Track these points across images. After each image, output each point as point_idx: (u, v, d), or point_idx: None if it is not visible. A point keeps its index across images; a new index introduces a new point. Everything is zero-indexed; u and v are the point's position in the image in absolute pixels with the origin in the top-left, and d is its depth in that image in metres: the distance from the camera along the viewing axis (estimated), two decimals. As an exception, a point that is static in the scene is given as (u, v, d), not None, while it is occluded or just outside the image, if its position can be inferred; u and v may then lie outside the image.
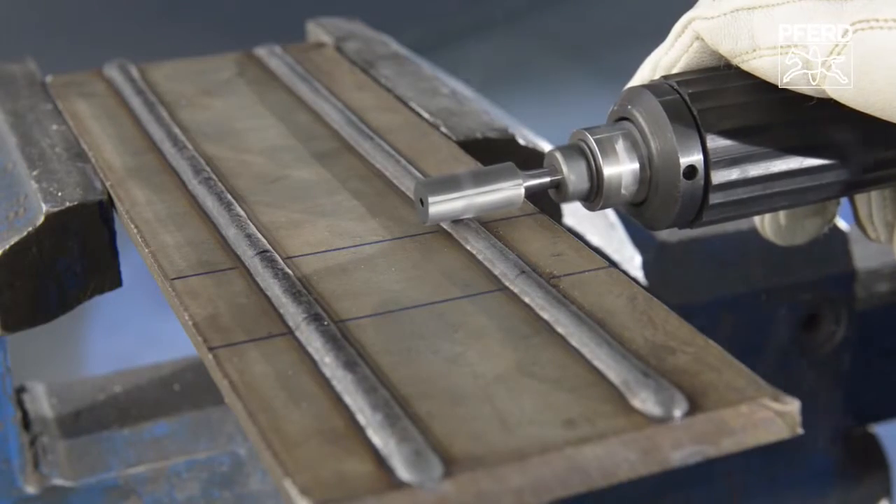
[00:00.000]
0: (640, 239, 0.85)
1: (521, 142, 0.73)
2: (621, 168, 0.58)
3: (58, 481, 0.73)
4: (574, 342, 0.51)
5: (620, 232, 0.86)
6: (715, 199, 0.58)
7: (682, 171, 0.57)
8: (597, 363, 0.50)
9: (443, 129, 0.74)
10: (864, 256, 0.92)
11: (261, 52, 0.88)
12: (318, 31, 0.92)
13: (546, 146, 0.75)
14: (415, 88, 0.80)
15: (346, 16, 0.95)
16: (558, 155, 0.59)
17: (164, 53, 0.90)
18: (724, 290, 0.87)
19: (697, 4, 0.59)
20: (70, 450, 0.76)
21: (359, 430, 0.46)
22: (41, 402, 0.80)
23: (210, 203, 0.64)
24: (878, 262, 0.95)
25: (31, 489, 0.73)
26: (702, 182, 0.57)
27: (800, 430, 0.48)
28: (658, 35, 0.60)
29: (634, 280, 0.57)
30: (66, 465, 0.75)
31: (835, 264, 0.89)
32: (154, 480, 0.75)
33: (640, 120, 0.58)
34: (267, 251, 0.58)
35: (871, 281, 0.94)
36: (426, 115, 0.76)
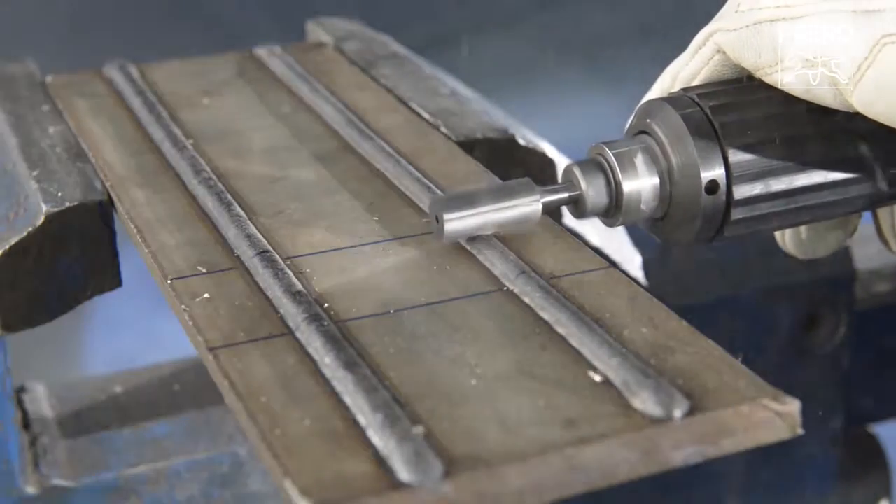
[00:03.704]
0: (640, 239, 0.85)
1: (521, 142, 0.73)
2: (641, 183, 0.57)
3: (58, 481, 0.73)
4: (574, 342, 0.51)
5: (620, 232, 0.86)
6: (737, 214, 0.56)
7: (703, 186, 0.56)
8: (597, 363, 0.50)
9: (443, 129, 0.74)
10: (864, 256, 0.92)
11: (261, 52, 0.88)
12: (318, 31, 0.92)
13: (546, 146, 0.75)
14: (415, 88, 0.80)
15: (345, 15, 0.95)
16: (576, 170, 0.58)
17: (164, 53, 0.90)
18: (724, 290, 0.87)
19: (718, 16, 0.57)
20: (70, 450, 0.76)
21: (359, 431, 0.46)
22: (41, 403, 0.80)
23: (210, 203, 0.64)
24: (878, 262, 0.95)
25: (31, 489, 0.73)
26: (724, 197, 0.56)
27: (800, 431, 0.48)
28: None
29: (634, 280, 0.57)
30: (66, 465, 0.75)
31: (835, 264, 0.89)
32: (154, 480, 0.75)
33: (660, 134, 0.57)
34: (267, 251, 0.58)
35: (871, 281, 0.94)
36: (426, 115, 0.76)
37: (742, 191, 0.56)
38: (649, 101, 0.59)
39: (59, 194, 0.67)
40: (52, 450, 0.75)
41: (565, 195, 0.58)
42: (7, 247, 0.65)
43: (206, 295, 0.55)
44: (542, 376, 0.49)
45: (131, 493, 0.75)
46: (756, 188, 0.56)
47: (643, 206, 0.57)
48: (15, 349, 0.71)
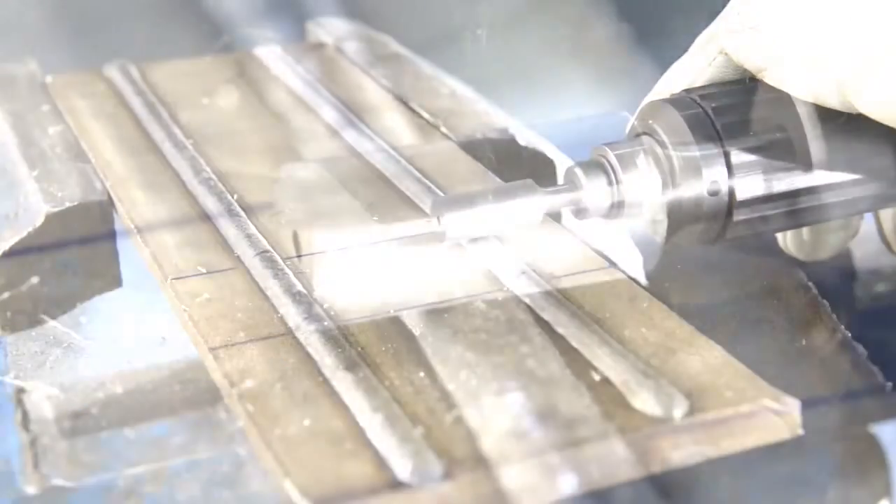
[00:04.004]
0: (640, 239, 0.85)
1: (521, 142, 0.73)
2: (643, 184, 0.57)
3: (58, 481, 0.73)
4: (574, 342, 0.51)
5: (621, 232, 0.86)
6: (739, 215, 0.56)
7: (705, 188, 0.56)
8: (597, 363, 0.50)
9: (443, 129, 0.74)
10: (864, 256, 0.92)
11: (261, 52, 0.88)
12: (318, 31, 0.92)
13: (546, 146, 0.75)
14: (415, 88, 0.80)
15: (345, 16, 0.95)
16: (578, 171, 0.57)
17: (164, 53, 0.90)
18: (724, 290, 0.87)
19: (720, 18, 0.57)
20: (70, 450, 0.76)
21: (359, 431, 0.46)
22: (41, 403, 0.80)
23: (210, 203, 0.64)
24: (877, 262, 0.95)
25: (31, 489, 0.73)
26: (726, 198, 0.56)
27: (800, 431, 0.48)
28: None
29: (634, 280, 0.57)
30: (66, 465, 0.75)
31: (835, 264, 0.89)
32: (154, 480, 0.75)
33: (662, 135, 0.57)
34: (267, 251, 0.58)
35: (871, 281, 0.94)
36: (426, 115, 0.76)
37: (744, 192, 0.56)
38: (651, 103, 0.59)
39: (59, 194, 0.67)
40: (52, 450, 0.75)
41: (567, 196, 0.58)
42: (7, 247, 0.65)
43: (206, 295, 0.55)
44: (542, 376, 0.49)
45: (131, 493, 0.75)
46: (758, 189, 0.56)
47: (645, 208, 0.57)
48: (15, 349, 0.71)
